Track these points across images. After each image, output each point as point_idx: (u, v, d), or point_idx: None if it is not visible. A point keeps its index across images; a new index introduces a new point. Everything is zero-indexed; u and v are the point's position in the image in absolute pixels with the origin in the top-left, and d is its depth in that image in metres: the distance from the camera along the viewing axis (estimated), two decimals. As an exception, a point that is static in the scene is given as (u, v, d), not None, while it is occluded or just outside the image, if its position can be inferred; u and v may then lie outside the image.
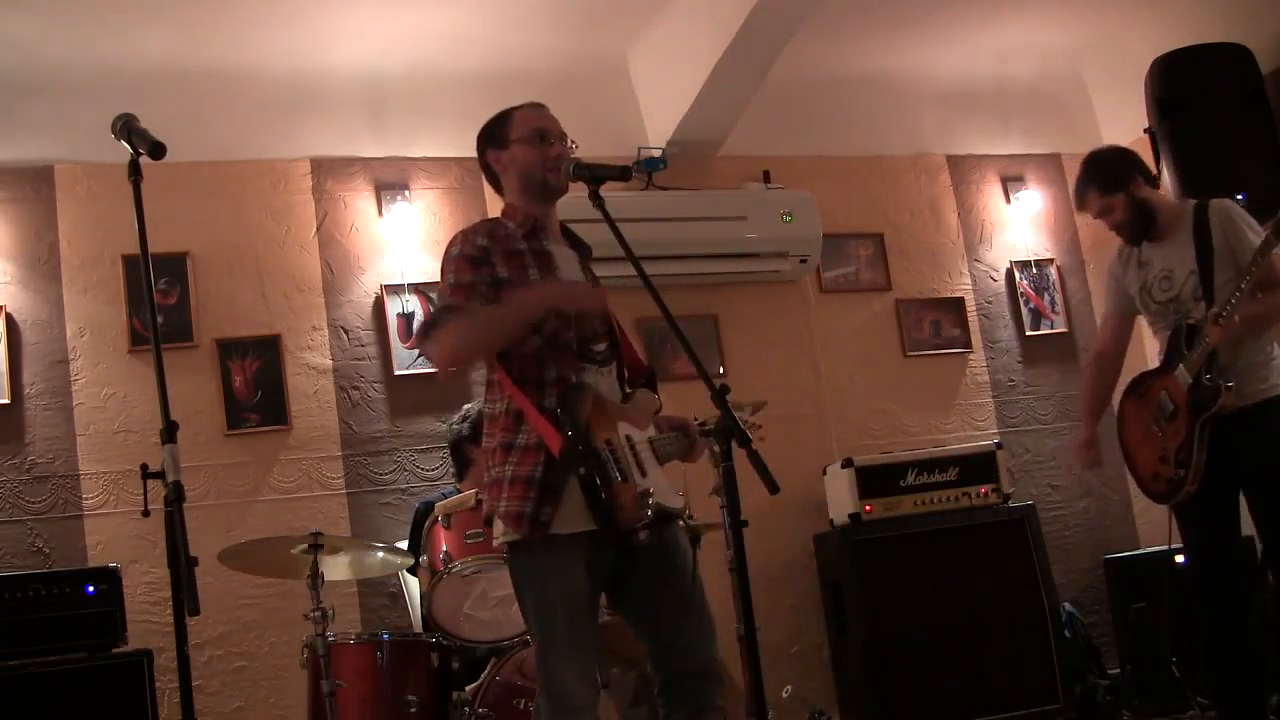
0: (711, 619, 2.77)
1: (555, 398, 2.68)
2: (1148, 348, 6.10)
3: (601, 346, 2.81)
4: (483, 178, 3.01)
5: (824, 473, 5.34)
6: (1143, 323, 4.07)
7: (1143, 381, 3.87)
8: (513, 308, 2.69)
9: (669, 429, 2.90)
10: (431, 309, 2.82)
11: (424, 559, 3.89)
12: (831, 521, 5.29)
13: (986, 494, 5.26)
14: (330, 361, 5.09)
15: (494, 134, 2.91)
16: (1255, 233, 3.65)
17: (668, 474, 2.88)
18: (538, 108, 2.92)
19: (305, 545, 3.59)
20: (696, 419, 2.98)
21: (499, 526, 2.72)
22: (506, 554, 2.75)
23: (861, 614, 5.01)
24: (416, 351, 5.15)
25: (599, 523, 2.59)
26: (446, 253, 2.81)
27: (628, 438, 2.74)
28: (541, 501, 2.64)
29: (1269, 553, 3.66)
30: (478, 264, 2.75)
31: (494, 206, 3.01)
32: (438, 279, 5.26)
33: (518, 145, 2.85)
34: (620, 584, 2.77)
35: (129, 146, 2.49)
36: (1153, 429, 3.75)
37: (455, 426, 4.48)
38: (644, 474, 2.72)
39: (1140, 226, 3.79)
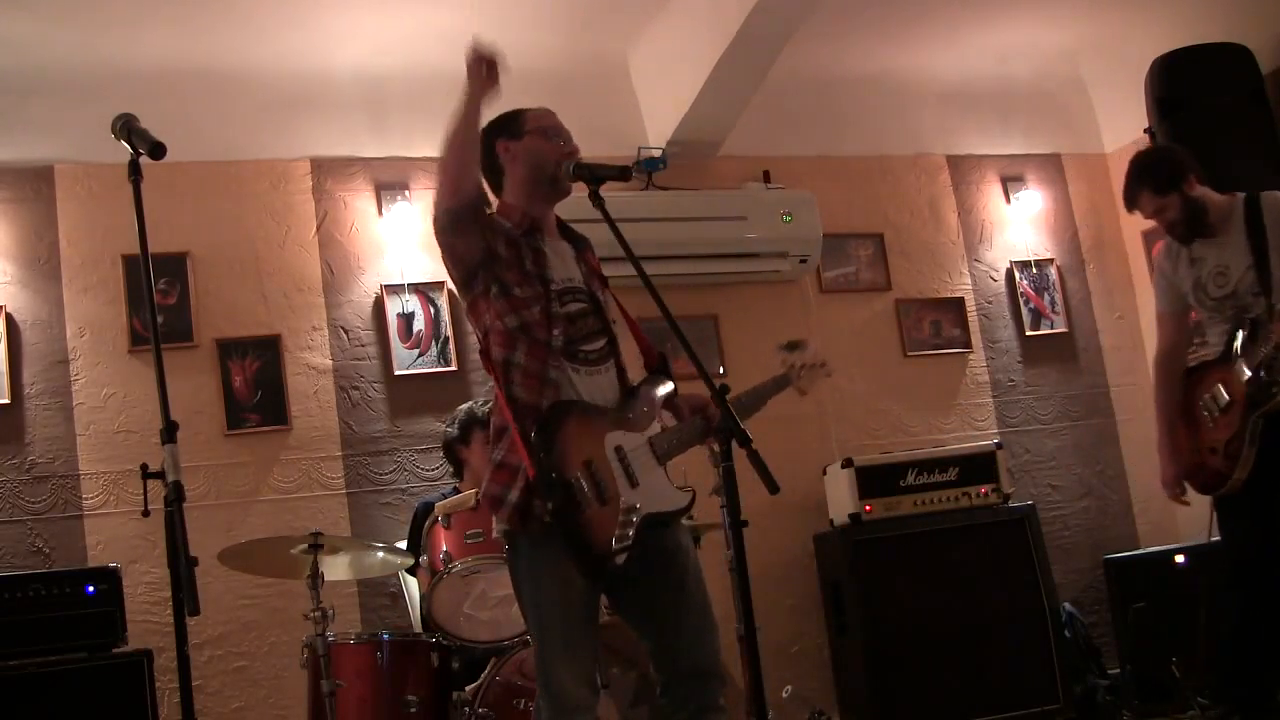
0: (713, 619, 2.76)
1: (524, 388, 2.68)
2: (1108, 360, 6.15)
3: (596, 345, 2.80)
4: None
5: (824, 473, 5.34)
6: (1147, 319, 4.03)
7: (1196, 372, 3.84)
8: (459, 110, 2.74)
9: (689, 411, 2.86)
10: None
11: (424, 559, 3.89)
12: (831, 521, 5.29)
13: (986, 494, 5.26)
14: (330, 361, 5.09)
15: (507, 125, 2.90)
16: None
17: (676, 467, 2.85)
18: (549, 112, 2.93)
19: (305, 545, 3.59)
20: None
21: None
22: (506, 549, 2.75)
23: (861, 614, 5.01)
24: (416, 353, 5.16)
25: (572, 555, 2.60)
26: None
27: (617, 449, 2.70)
28: (529, 493, 2.64)
29: None
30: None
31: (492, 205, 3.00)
32: (437, 279, 5.31)
33: (532, 137, 2.86)
34: (621, 584, 2.75)
35: (129, 146, 2.49)
36: (1204, 420, 3.73)
37: (448, 430, 4.49)
38: (635, 484, 2.69)
39: (1194, 225, 3.76)
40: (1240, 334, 3.65)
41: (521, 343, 2.71)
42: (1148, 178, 3.79)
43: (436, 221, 2.74)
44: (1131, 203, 3.87)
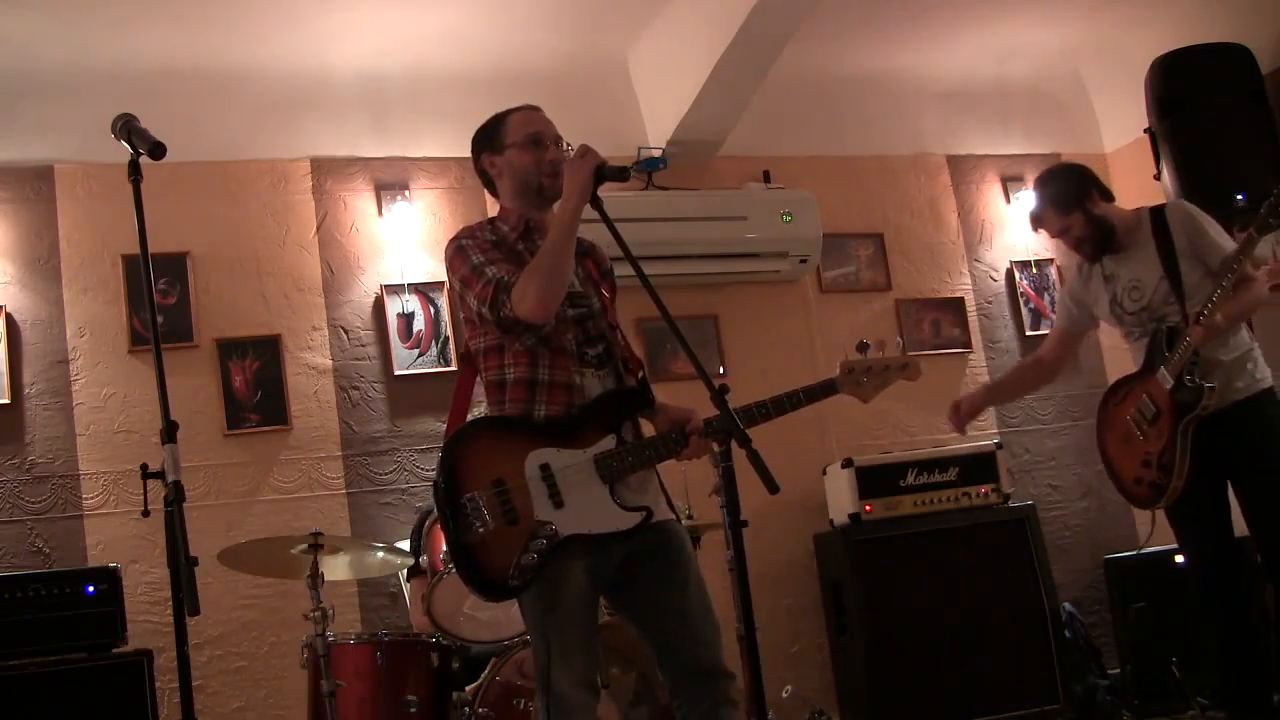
0: (716, 618, 2.75)
1: (546, 404, 2.69)
2: (1108, 360, 6.13)
3: (596, 349, 2.79)
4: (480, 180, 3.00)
5: (824, 473, 5.34)
6: (1093, 334, 4.05)
7: (1121, 387, 3.83)
8: (555, 229, 2.65)
9: (667, 426, 2.77)
10: (474, 302, 2.70)
11: (424, 559, 3.90)
12: (831, 521, 5.29)
13: (986, 494, 5.26)
14: (330, 361, 5.09)
15: (489, 138, 2.90)
16: (1217, 231, 3.64)
17: (674, 476, 2.81)
18: (533, 110, 2.91)
19: (305, 545, 3.60)
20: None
21: None
22: None
23: (861, 614, 5.01)
24: (416, 353, 5.16)
25: (463, 576, 2.63)
26: (455, 246, 2.79)
27: (543, 467, 2.65)
28: None
29: (1264, 551, 3.60)
30: (496, 245, 2.78)
31: (494, 206, 3.00)
32: (437, 279, 5.30)
33: (513, 150, 2.84)
34: (623, 586, 2.75)
35: (129, 146, 2.48)
36: (1134, 433, 3.70)
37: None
38: (560, 504, 2.64)
39: (1099, 242, 3.76)
40: (1159, 343, 3.63)
41: (542, 358, 2.71)
42: (1050, 197, 3.80)
43: (499, 310, 2.65)
44: (1037, 222, 3.89)
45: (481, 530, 2.60)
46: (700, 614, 2.72)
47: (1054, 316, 6.15)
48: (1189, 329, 3.50)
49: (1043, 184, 3.87)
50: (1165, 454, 3.59)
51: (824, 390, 2.81)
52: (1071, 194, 3.75)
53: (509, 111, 2.91)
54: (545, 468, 2.65)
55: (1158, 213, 3.71)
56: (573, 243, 2.68)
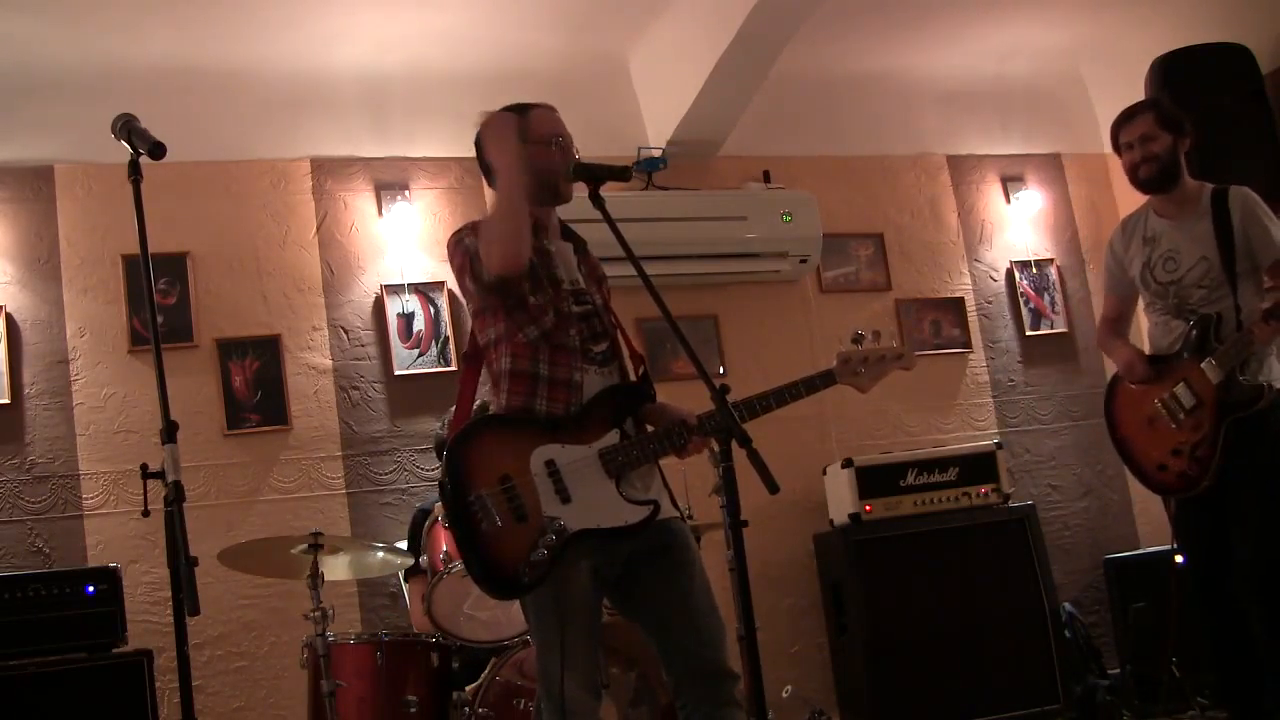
0: (720, 618, 2.75)
1: (546, 400, 2.69)
2: (1108, 361, 6.09)
3: (601, 347, 2.80)
4: (481, 175, 2.98)
5: (824, 473, 5.34)
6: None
7: (1149, 365, 3.75)
8: (506, 186, 2.70)
9: (666, 424, 2.79)
10: (467, 280, 2.77)
11: (424, 559, 3.89)
12: (831, 521, 5.29)
13: (986, 494, 5.26)
14: (330, 361, 5.09)
15: None
16: (1277, 225, 3.57)
17: (675, 473, 2.80)
18: (553, 111, 2.90)
19: (305, 545, 3.60)
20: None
21: None
22: None
23: (861, 614, 5.01)
24: (416, 353, 5.16)
25: (475, 575, 2.62)
26: (456, 239, 2.80)
27: (549, 463, 2.66)
28: None
29: (1245, 551, 3.54)
30: None
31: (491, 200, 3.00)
32: (437, 279, 5.30)
33: (535, 146, 2.82)
34: (628, 586, 2.75)
35: (129, 146, 2.49)
36: (1163, 419, 3.64)
37: (438, 432, 4.49)
38: (567, 499, 2.64)
39: (1161, 175, 3.67)
40: (1207, 331, 3.56)
41: (543, 354, 2.71)
42: (1161, 107, 3.75)
43: (480, 279, 2.69)
44: (1131, 115, 3.78)
45: (490, 529, 2.60)
46: (706, 613, 2.72)
47: (1053, 316, 6.19)
48: (1256, 325, 3.40)
49: (1162, 97, 3.81)
50: (1201, 447, 3.54)
51: (823, 381, 2.85)
52: (1179, 123, 3.69)
53: (528, 105, 2.88)
54: (550, 464, 2.66)
55: (1220, 194, 3.63)
56: (522, 195, 2.68)
